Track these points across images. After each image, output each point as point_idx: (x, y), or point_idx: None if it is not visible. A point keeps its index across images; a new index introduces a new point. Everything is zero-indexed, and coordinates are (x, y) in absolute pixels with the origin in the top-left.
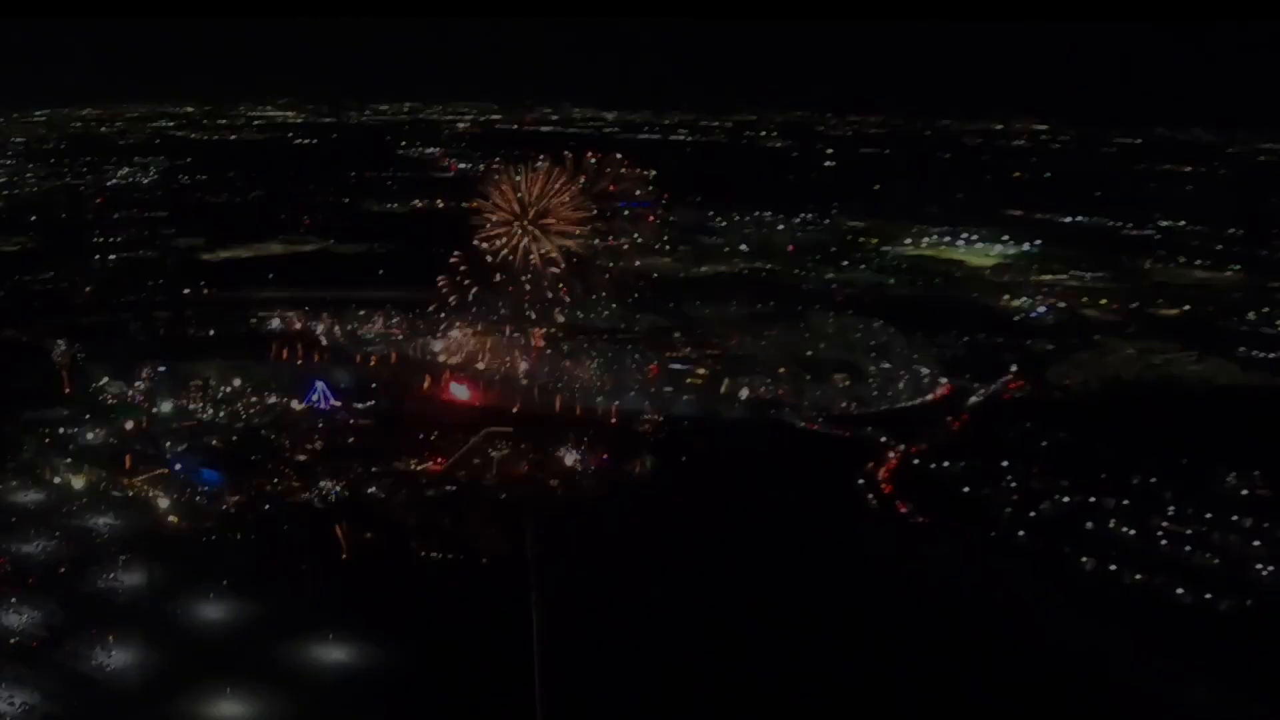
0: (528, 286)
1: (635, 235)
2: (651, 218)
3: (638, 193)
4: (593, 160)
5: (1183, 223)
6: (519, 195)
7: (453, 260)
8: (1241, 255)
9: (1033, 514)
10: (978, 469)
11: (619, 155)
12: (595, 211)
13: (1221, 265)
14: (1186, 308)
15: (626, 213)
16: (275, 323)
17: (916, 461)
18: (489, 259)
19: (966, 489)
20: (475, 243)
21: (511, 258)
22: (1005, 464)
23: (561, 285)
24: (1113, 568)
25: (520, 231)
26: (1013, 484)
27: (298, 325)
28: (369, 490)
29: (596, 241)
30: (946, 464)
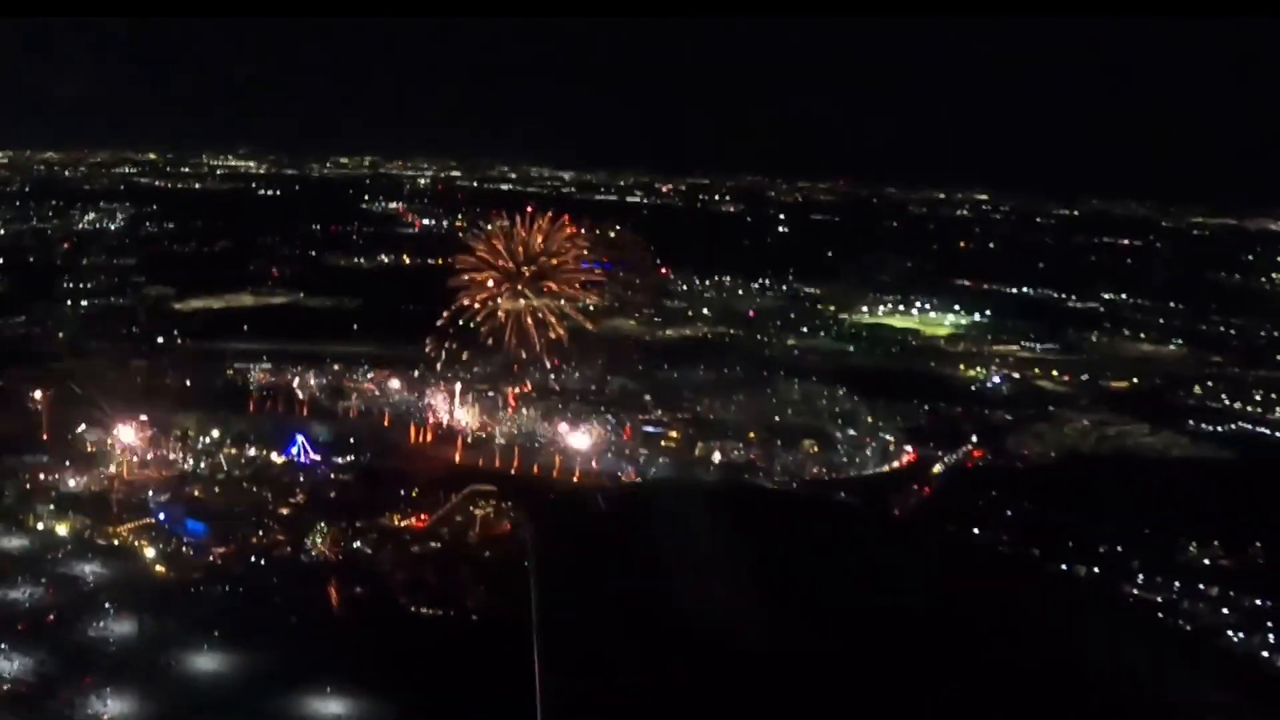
0: (514, 347)
1: (627, 296)
2: (649, 277)
3: (616, 253)
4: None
5: (1124, 296)
6: (511, 253)
7: (440, 318)
8: (1182, 330)
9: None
10: (951, 536)
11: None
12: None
13: (1165, 339)
14: (1135, 381)
15: (615, 274)
16: (253, 375)
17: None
18: (471, 317)
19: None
20: (459, 300)
21: (499, 317)
22: (975, 532)
23: (542, 347)
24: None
25: (512, 291)
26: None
27: (275, 378)
28: (355, 545)
29: (578, 303)
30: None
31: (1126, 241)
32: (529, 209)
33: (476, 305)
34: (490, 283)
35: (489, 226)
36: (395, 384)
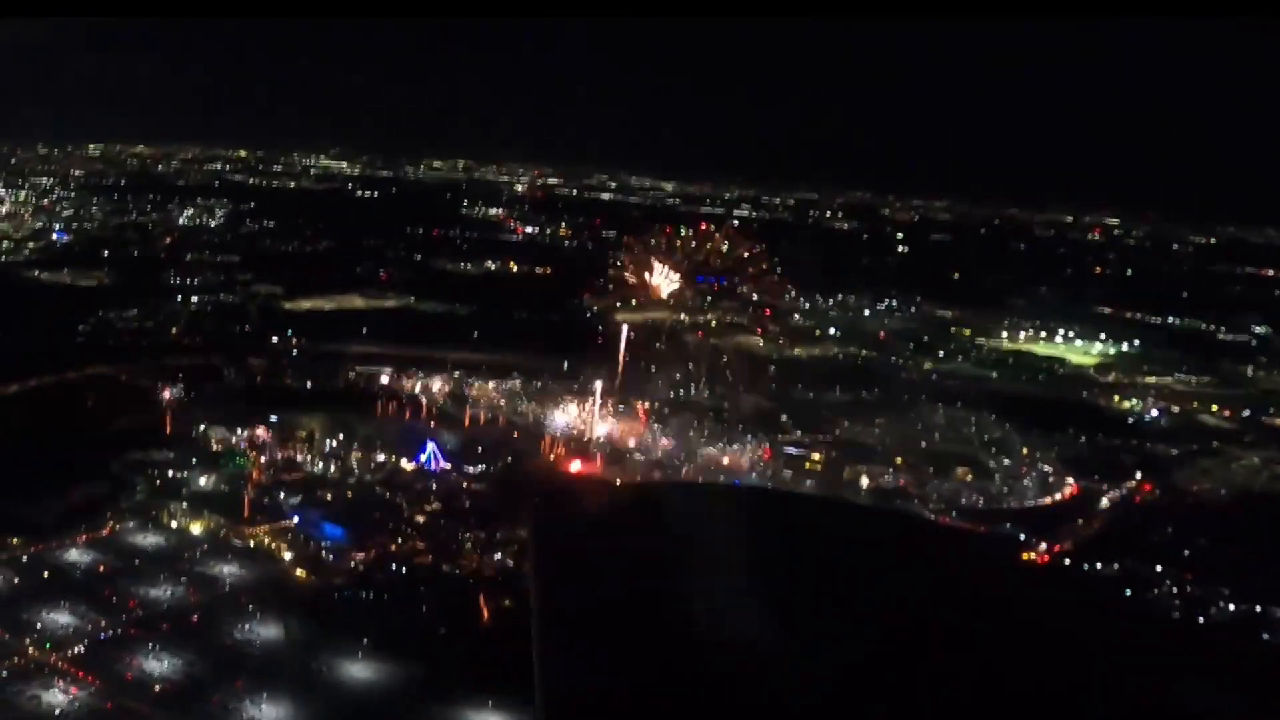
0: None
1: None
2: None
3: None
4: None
5: (1267, 328)
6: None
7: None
8: None
9: (1202, 620)
10: (1132, 573)
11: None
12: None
13: None
14: None
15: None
16: (375, 378)
17: (1068, 561)
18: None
19: (1128, 592)
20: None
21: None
22: (1159, 569)
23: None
24: None
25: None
26: (1173, 590)
27: (397, 382)
28: (495, 556)
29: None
30: (1099, 566)
31: (1271, 272)
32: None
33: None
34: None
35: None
36: (521, 393)
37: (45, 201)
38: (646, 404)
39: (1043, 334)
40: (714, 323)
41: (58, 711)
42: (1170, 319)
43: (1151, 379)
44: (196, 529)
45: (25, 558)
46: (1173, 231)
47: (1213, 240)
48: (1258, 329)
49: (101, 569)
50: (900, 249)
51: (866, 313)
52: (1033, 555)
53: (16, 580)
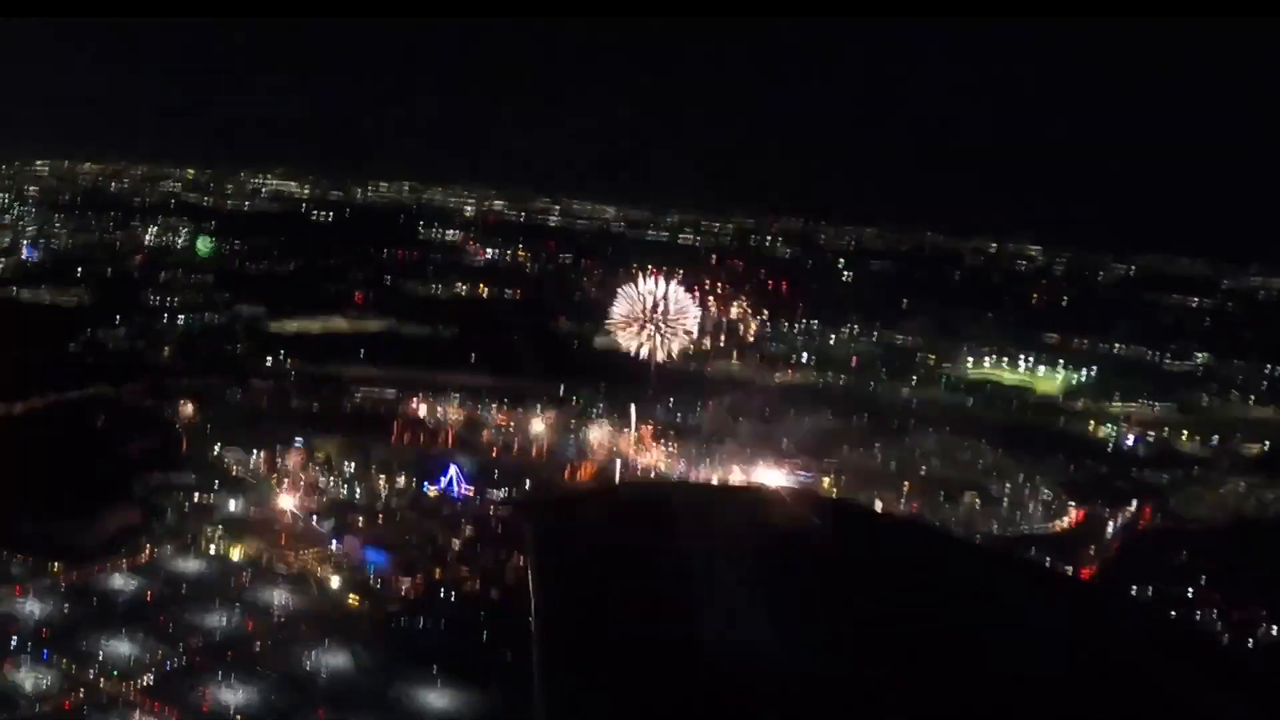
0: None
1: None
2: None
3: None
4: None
5: (1206, 356)
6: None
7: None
8: None
9: (1250, 643)
10: (1168, 596)
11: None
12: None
13: (1275, 401)
14: (1266, 445)
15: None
16: (381, 401)
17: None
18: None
19: (1173, 614)
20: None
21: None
22: (1190, 593)
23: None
24: None
25: (650, 331)
26: (1214, 614)
27: (404, 405)
28: None
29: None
30: (1134, 589)
31: (1196, 301)
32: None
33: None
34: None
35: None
36: (526, 415)
37: (6, 219)
38: (648, 428)
39: (1004, 361)
40: (690, 348)
41: None
42: (1116, 347)
43: (1118, 406)
44: (236, 554)
45: (70, 584)
46: (1094, 260)
47: (1132, 270)
48: (1199, 357)
49: (149, 595)
50: (845, 276)
51: (832, 340)
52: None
53: (67, 608)
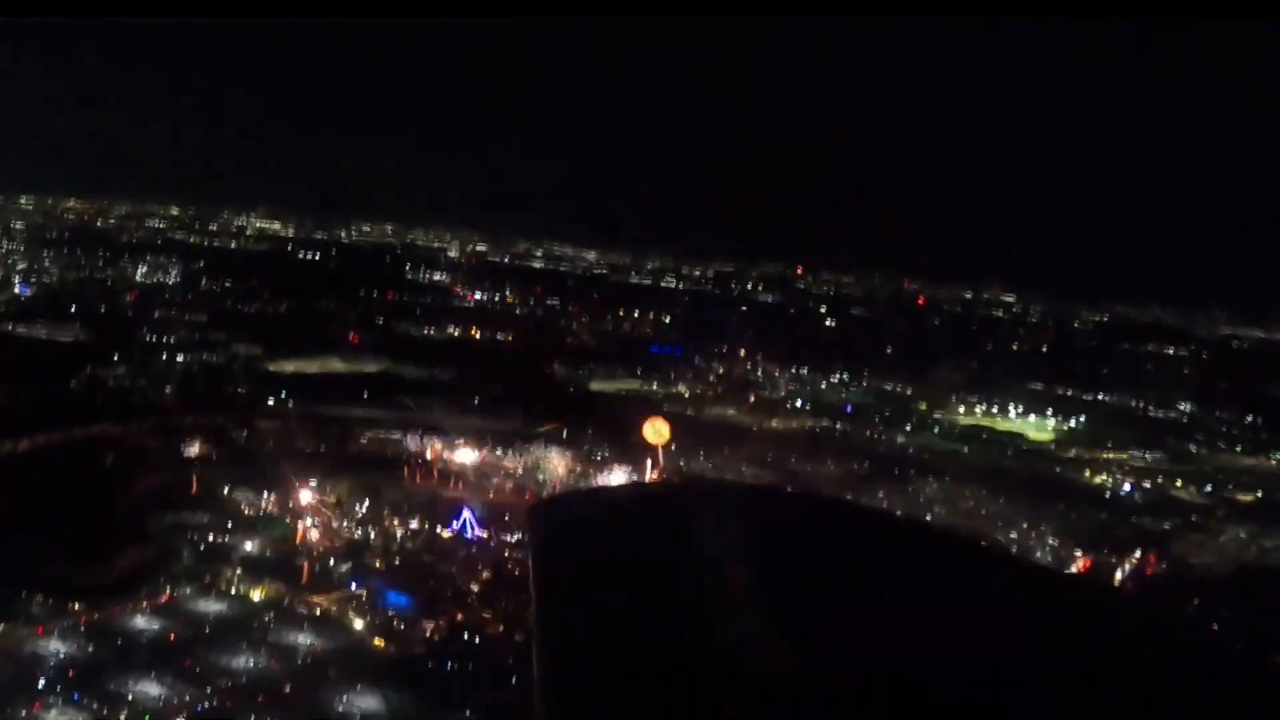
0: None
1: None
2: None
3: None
4: None
5: (1190, 405)
6: None
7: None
8: (1271, 443)
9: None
10: None
11: None
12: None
13: (1261, 450)
14: (1259, 494)
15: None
16: (387, 443)
17: None
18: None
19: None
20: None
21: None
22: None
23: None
24: None
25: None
26: None
27: (410, 447)
28: None
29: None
30: None
31: (1172, 350)
32: None
33: None
34: None
35: None
36: (532, 459)
37: None
38: (655, 474)
39: (993, 410)
40: (685, 393)
41: None
42: (1100, 396)
43: (1110, 455)
44: (257, 595)
45: (91, 624)
46: (1067, 309)
47: (1105, 319)
48: (1182, 406)
49: (172, 636)
50: (828, 322)
51: (823, 385)
52: None
53: (91, 648)
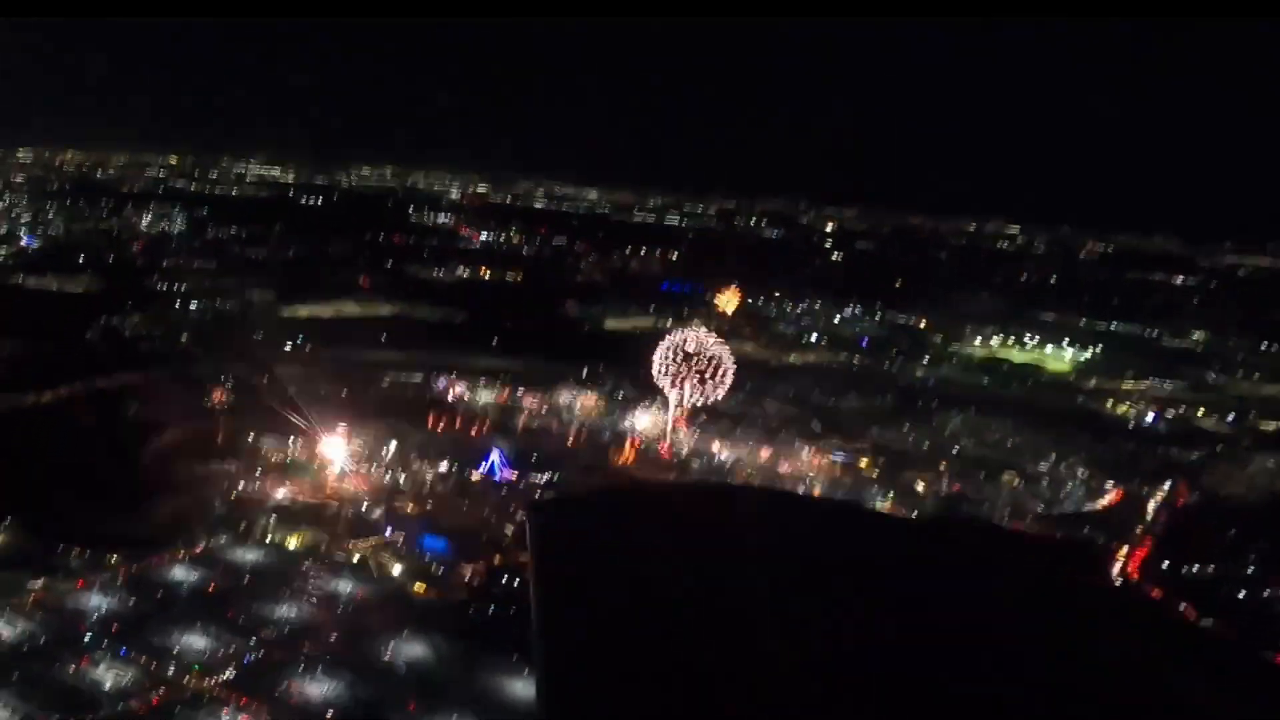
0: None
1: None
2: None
3: None
4: None
5: (1203, 333)
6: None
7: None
8: None
9: None
10: (1228, 576)
11: None
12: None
13: (1277, 379)
14: None
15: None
16: (408, 386)
17: (1166, 565)
18: None
19: (1242, 594)
20: None
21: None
22: (1250, 571)
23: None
24: None
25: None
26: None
27: (432, 390)
28: None
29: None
30: (1196, 569)
31: (1181, 279)
32: None
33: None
34: None
35: None
36: (555, 399)
37: None
38: (679, 410)
39: (1008, 341)
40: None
41: None
42: (1113, 326)
43: (1129, 384)
44: (293, 543)
45: (130, 576)
46: (1072, 239)
47: (1110, 249)
48: (1195, 335)
49: (212, 587)
50: (834, 256)
51: (836, 320)
52: (1121, 559)
53: (132, 601)
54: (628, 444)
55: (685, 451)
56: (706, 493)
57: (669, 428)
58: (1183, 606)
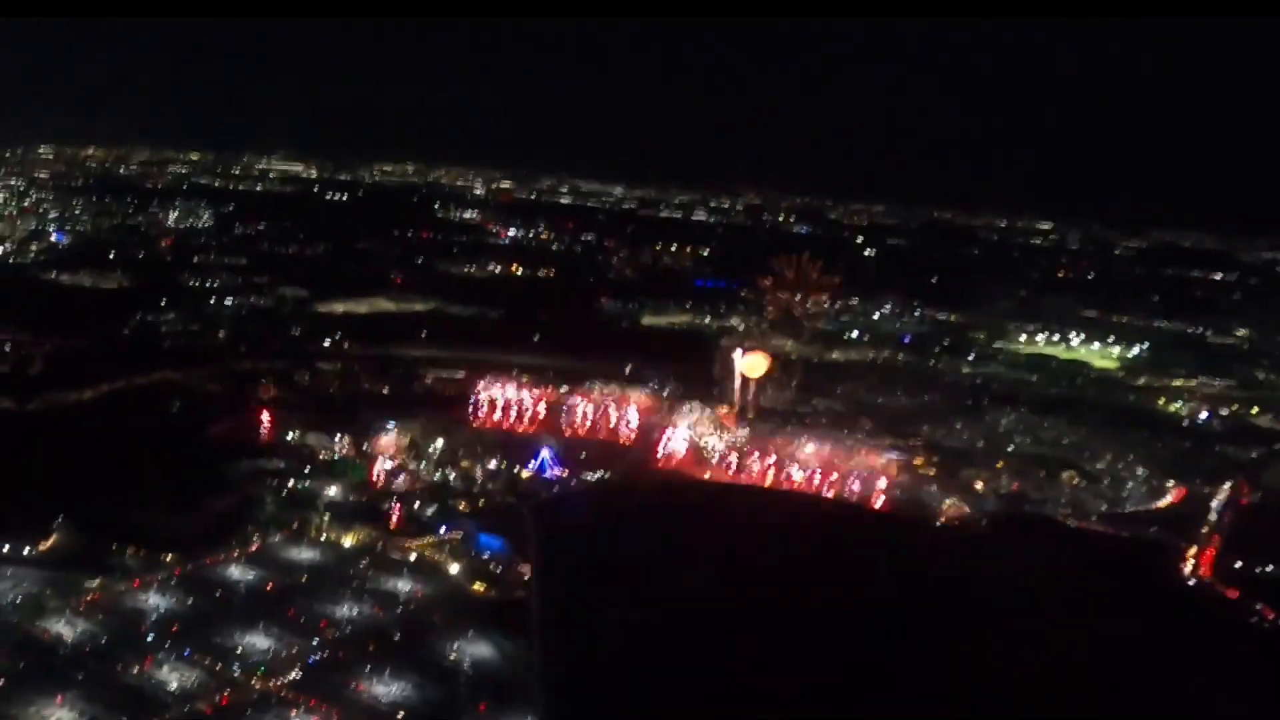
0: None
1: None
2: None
3: None
4: None
5: (1248, 330)
6: None
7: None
8: None
9: None
10: None
11: None
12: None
13: None
14: None
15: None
16: (451, 383)
17: (1239, 565)
18: None
19: None
20: None
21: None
22: None
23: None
24: None
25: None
26: None
27: (475, 387)
28: None
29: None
30: (1270, 568)
31: (1220, 275)
32: None
33: None
34: None
35: None
36: (600, 395)
37: (26, 203)
38: (726, 409)
39: (1053, 338)
40: (740, 326)
41: None
42: (1156, 323)
43: (1179, 382)
44: (348, 542)
45: (186, 575)
46: (1105, 235)
47: (1145, 245)
48: (1240, 332)
49: (270, 586)
50: (866, 252)
51: (876, 316)
52: (1191, 559)
53: (190, 601)
54: (678, 441)
55: (736, 451)
56: (707, 492)
57: (719, 425)
58: (1259, 606)
